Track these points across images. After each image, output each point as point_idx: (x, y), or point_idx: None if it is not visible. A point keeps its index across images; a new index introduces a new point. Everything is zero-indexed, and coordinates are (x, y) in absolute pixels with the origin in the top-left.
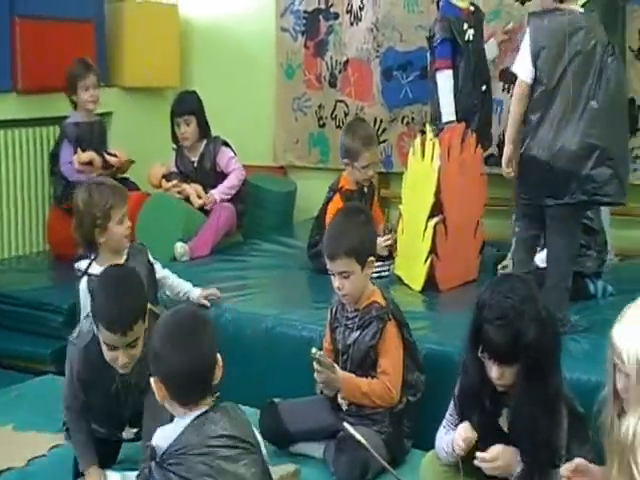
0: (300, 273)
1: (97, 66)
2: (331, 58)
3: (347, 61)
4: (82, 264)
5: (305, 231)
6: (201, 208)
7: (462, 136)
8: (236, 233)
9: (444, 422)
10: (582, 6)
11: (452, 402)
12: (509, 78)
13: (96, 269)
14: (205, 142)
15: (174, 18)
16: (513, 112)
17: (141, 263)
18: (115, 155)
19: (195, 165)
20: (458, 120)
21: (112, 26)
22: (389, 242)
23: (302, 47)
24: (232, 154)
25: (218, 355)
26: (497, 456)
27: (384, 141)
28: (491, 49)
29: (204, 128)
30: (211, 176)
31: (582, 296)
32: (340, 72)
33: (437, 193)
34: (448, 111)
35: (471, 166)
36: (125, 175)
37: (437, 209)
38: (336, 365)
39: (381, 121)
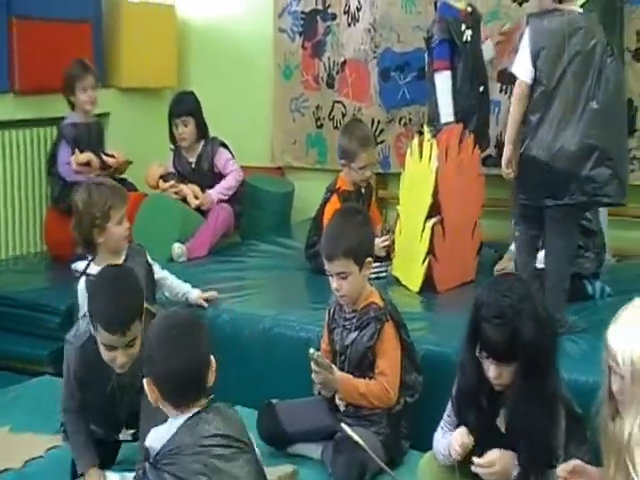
0: (298, 274)
1: (94, 67)
2: (329, 59)
3: (345, 62)
4: (79, 265)
5: (303, 232)
6: (198, 208)
7: (460, 137)
8: (234, 234)
9: (442, 423)
10: (581, 7)
11: (450, 403)
12: (507, 79)
13: (94, 269)
14: (203, 143)
15: (171, 19)
16: (513, 113)
17: (140, 264)
18: (113, 156)
19: (193, 166)
20: (457, 121)
21: (109, 27)
22: (387, 243)
23: (300, 48)
24: (230, 155)
25: (212, 357)
26: (494, 461)
27: (382, 142)
28: (488, 50)
29: (202, 129)
30: (209, 177)
31: (580, 297)
32: (338, 73)
33: (435, 194)
34: (446, 112)
35: (469, 167)
36: (123, 176)
37: (435, 210)
38: (334, 366)
39: (379, 122)
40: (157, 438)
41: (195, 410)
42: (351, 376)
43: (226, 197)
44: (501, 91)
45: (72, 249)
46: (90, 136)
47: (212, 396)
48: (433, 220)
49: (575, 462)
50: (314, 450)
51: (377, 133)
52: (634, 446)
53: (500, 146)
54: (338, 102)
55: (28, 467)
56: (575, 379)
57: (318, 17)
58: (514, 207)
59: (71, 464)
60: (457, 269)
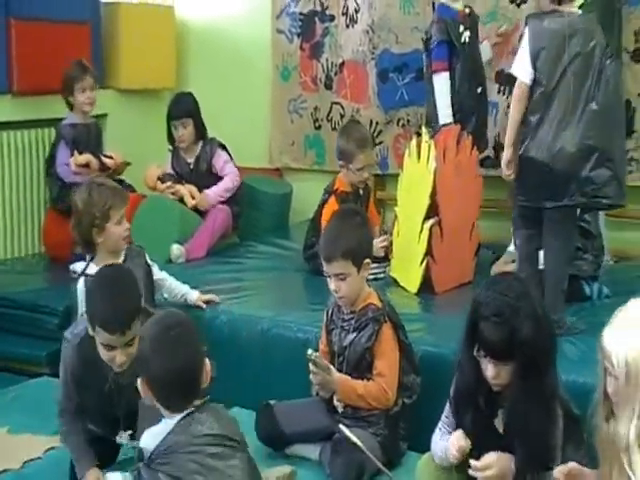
0: (296, 275)
1: (93, 68)
2: (327, 60)
3: (343, 63)
4: (77, 266)
5: (301, 233)
6: (195, 209)
7: (458, 138)
8: (232, 235)
9: (440, 424)
10: (579, 8)
11: (448, 404)
12: (504, 80)
13: (94, 270)
14: (201, 144)
15: (170, 20)
16: (512, 113)
17: (139, 265)
18: (111, 157)
19: (191, 167)
20: (455, 122)
21: (108, 28)
22: (384, 243)
23: (298, 49)
24: (228, 157)
25: (207, 360)
26: (491, 464)
27: (380, 143)
28: (485, 51)
29: (201, 130)
30: (206, 178)
31: (577, 298)
32: (336, 74)
33: (433, 195)
34: (445, 113)
35: (467, 168)
36: (121, 177)
37: (433, 211)
38: (332, 367)
39: (377, 123)
40: (151, 438)
41: (189, 410)
42: (349, 377)
43: (223, 199)
44: (499, 92)
45: (70, 250)
46: (89, 137)
47: (207, 397)
48: (431, 221)
49: (572, 465)
50: (312, 451)
51: (375, 134)
52: (630, 447)
53: (498, 147)
54: (336, 103)
55: (26, 468)
56: (573, 380)
57: (316, 18)
58: (513, 210)
59: (70, 466)
60: (455, 270)
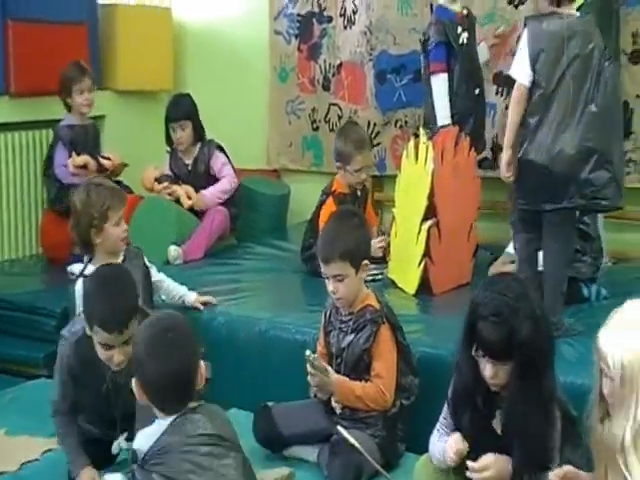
0: (294, 276)
1: (90, 69)
2: (325, 61)
3: (341, 64)
4: (75, 267)
5: (299, 234)
6: (192, 209)
7: (456, 139)
8: (230, 236)
9: (438, 425)
10: (577, 10)
11: (446, 405)
12: (502, 81)
13: (92, 270)
14: (199, 145)
15: (167, 21)
16: (511, 115)
17: (137, 266)
18: (108, 158)
19: (189, 168)
20: (453, 123)
21: (105, 29)
22: (382, 244)
23: (296, 50)
24: (226, 159)
25: (202, 362)
26: (488, 465)
27: (378, 144)
28: (482, 52)
29: (199, 132)
30: (204, 179)
31: (576, 299)
32: (334, 75)
33: (431, 196)
34: (443, 115)
35: (465, 169)
36: (118, 178)
37: (431, 212)
38: (330, 368)
39: (375, 124)
40: (145, 439)
41: (182, 411)
42: (347, 379)
43: (221, 200)
44: (497, 94)
45: (68, 251)
46: (86, 138)
47: (202, 401)
48: (429, 222)
49: (567, 468)
50: (310, 453)
51: (373, 135)
52: (625, 448)
53: (496, 148)
54: (334, 104)
55: (24, 470)
56: (571, 382)
57: (314, 20)
58: (513, 213)
59: (68, 468)
60: (453, 271)
